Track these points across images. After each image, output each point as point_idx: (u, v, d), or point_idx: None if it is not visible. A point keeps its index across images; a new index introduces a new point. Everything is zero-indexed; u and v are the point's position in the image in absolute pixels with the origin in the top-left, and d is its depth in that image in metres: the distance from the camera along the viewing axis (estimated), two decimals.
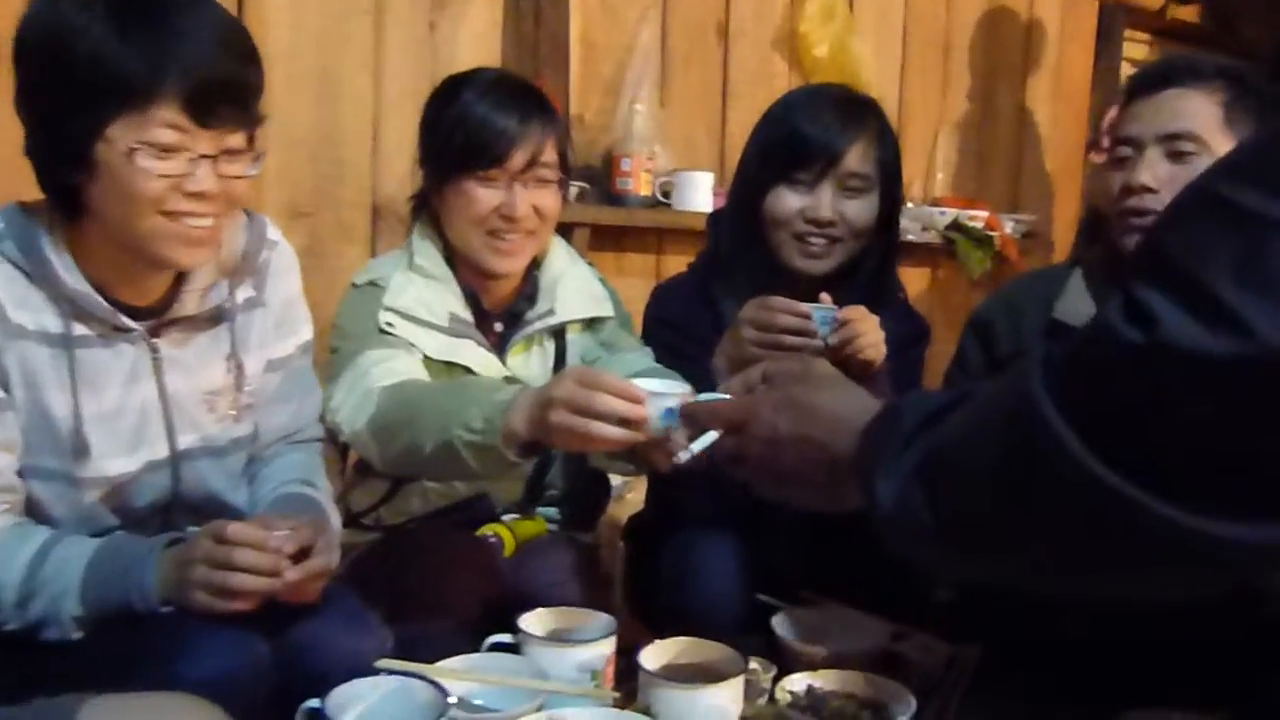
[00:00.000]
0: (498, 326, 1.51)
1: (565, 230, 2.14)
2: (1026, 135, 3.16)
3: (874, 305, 1.50)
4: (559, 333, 1.53)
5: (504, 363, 1.49)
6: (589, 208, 2.20)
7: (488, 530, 1.40)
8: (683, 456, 1.02)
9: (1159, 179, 1.36)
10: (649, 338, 1.57)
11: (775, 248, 1.49)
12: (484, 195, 1.40)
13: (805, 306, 1.35)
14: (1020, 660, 1.27)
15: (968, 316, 1.73)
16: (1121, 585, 0.62)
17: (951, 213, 2.78)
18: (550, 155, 1.42)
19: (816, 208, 1.45)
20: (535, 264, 1.53)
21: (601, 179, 2.27)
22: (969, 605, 1.49)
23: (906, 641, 1.29)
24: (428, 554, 1.32)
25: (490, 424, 1.11)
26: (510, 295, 1.52)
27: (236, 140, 1.06)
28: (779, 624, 1.28)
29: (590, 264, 1.63)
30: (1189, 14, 3.43)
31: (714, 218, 1.62)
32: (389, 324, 1.40)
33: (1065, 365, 0.59)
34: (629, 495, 2.10)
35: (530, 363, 1.51)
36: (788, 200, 1.46)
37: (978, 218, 2.81)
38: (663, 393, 1.09)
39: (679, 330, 1.53)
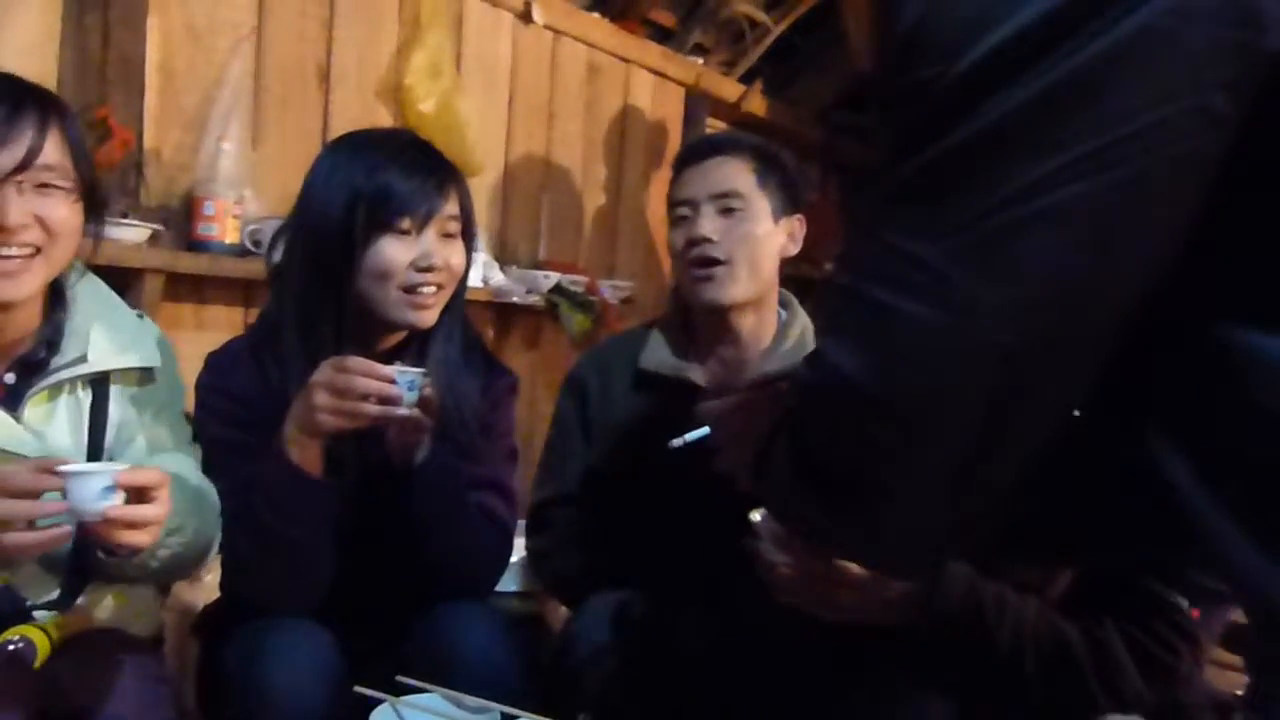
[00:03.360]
0: (8, 378, 1.27)
1: (135, 276, 1.89)
2: (623, 205, 3.33)
3: (464, 357, 1.48)
4: (98, 382, 1.31)
5: (18, 418, 1.24)
6: (163, 252, 1.96)
7: (13, 634, 1.15)
8: (675, 443, 1.18)
9: (716, 230, 1.59)
10: (203, 407, 1.41)
11: (377, 304, 1.39)
12: None
13: (388, 370, 1.26)
14: None
15: (566, 376, 1.78)
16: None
17: (554, 276, 2.83)
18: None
19: (428, 255, 1.38)
20: (57, 303, 1.30)
21: (180, 222, 2.04)
22: (569, 673, 1.48)
23: None
24: None
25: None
26: (17, 342, 1.27)
27: None
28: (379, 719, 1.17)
29: (142, 315, 1.43)
30: (759, 107, 3.84)
31: (278, 276, 1.47)
32: None
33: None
34: (206, 577, 1.86)
35: (56, 416, 1.28)
36: (395, 251, 1.37)
37: (578, 282, 2.90)
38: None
39: (235, 400, 1.39)
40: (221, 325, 2.16)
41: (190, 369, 2.00)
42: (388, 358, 1.40)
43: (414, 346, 1.46)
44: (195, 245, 2.02)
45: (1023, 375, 0.63)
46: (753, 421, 0.93)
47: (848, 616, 1.21)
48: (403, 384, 1.25)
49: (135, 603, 1.38)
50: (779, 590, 1.22)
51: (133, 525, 1.09)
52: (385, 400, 1.24)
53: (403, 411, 1.25)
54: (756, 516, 1.20)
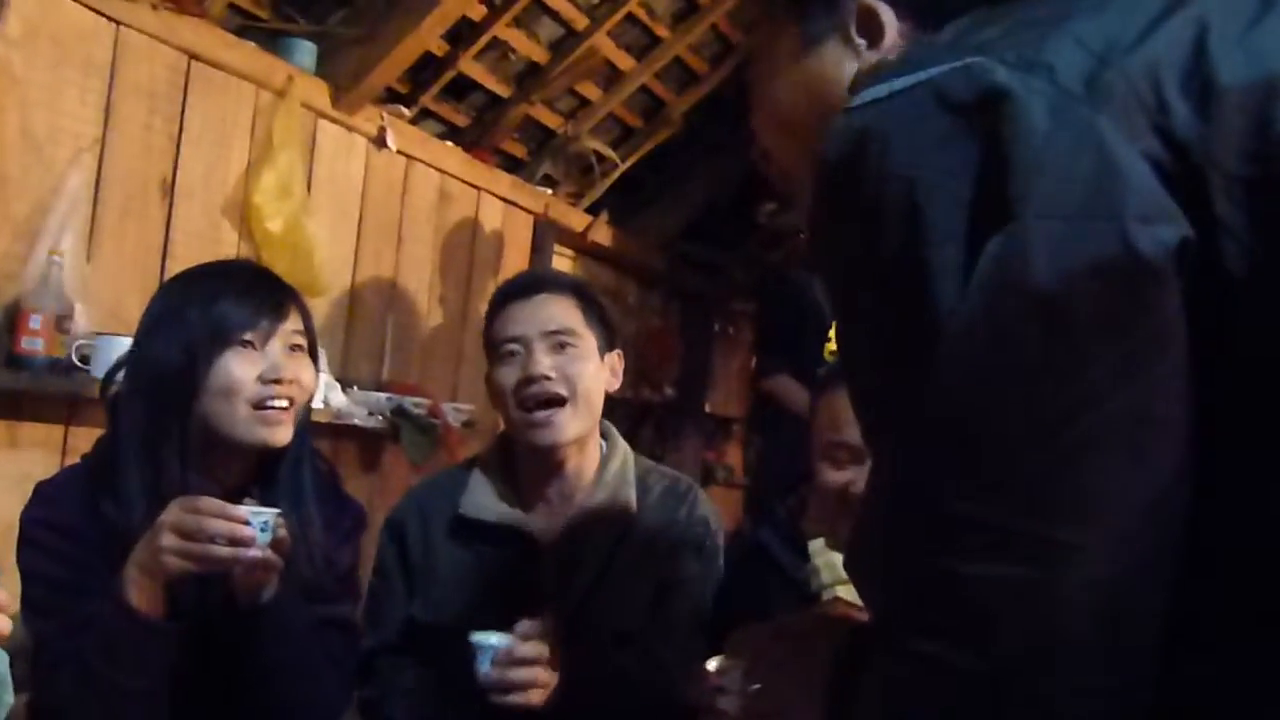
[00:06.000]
0: None
1: None
2: (468, 329, 3.34)
3: (314, 488, 1.44)
4: None
5: None
6: None
7: None
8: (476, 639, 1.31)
9: (553, 366, 1.58)
10: (29, 542, 1.31)
11: (225, 425, 1.33)
12: None
13: (242, 510, 1.21)
14: None
15: (384, 520, 1.73)
16: None
17: (397, 398, 2.81)
18: None
19: (276, 367, 1.34)
20: None
21: (1, 336, 1.93)
22: None
23: None
24: None
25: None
26: None
27: None
28: None
29: None
30: (604, 237, 3.97)
31: (116, 401, 1.38)
32: None
33: None
34: None
35: None
36: (239, 366, 1.32)
37: (421, 404, 2.88)
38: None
39: (66, 535, 1.30)
40: (39, 444, 2.03)
41: (1, 489, 1.88)
42: (237, 490, 1.35)
43: (263, 478, 1.40)
44: (15, 360, 1.92)
45: (1127, 600, 0.61)
46: (806, 650, 0.83)
47: None
48: (256, 525, 1.20)
49: None
50: None
51: None
52: (237, 542, 1.19)
53: (254, 553, 1.20)
54: (712, 665, 1.07)
